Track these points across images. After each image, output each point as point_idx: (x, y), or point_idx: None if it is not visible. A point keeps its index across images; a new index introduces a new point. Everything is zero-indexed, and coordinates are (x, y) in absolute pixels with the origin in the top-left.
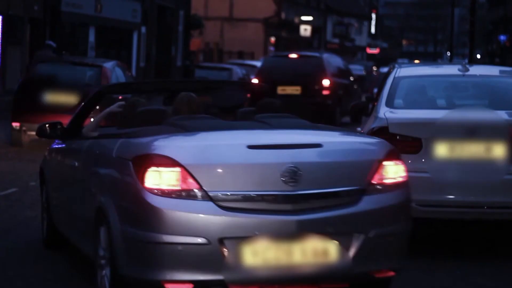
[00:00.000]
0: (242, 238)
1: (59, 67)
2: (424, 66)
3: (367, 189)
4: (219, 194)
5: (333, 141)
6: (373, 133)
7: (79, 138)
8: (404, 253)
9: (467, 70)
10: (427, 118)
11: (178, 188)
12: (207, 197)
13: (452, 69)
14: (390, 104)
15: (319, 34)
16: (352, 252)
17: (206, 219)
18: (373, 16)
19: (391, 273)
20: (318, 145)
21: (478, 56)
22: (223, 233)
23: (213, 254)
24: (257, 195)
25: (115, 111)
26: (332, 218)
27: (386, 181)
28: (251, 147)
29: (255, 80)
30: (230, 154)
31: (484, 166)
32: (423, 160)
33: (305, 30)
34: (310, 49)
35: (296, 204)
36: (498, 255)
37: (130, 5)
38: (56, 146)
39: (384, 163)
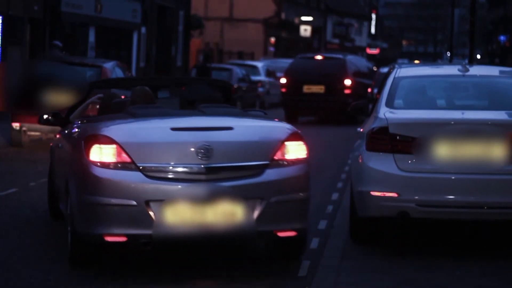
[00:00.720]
0: (164, 201)
1: (59, 67)
2: (424, 66)
3: (270, 163)
4: (146, 166)
5: (243, 125)
6: (373, 133)
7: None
8: (304, 217)
9: (467, 70)
10: (427, 119)
11: (114, 160)
12: (136, 168)
13: (452, 70)
14: (390, 104)
15: (319, 35)
16: (255, 214)
17: (135, 185)
18: (373, 16)
19: (293, 233)
20: (229, 128)
21: (478, 56)
22: (148, 196)
23: (141, 214)
24: (177, 167)
25: (94, 102)
26: (238, 186)
27: (287, 157)
28: (173, 129)
29: (283, 79)
30: (156, 134)
31: (484, 166)
32: (423, 160)
33: (305, 31)
34: (334, 51)
35: (208, 174)
36: (498, 255)
37: (130, 5)
38: (59, 132)
39: (286, 143)
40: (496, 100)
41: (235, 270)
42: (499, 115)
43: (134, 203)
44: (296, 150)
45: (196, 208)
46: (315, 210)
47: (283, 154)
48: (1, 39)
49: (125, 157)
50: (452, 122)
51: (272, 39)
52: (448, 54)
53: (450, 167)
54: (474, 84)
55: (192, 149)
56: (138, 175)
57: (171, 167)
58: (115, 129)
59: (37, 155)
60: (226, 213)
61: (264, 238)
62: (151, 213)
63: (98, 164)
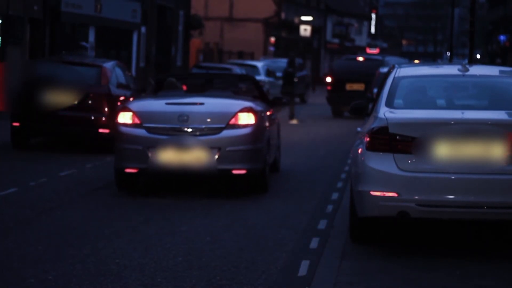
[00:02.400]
0: (157, 147)
1: (59, 67)
2: (424, 66)
3: (226, 126)
4: (148, 125)
5: (212, 102)
6: (373, 133)
7: None
8: (251, 161)
9: (467, 70)
10: (427, 118)
11: (131, 122)
12: (143, 127)
13: (452, 69)
14: (390, 104)
15: (319, 34)
16: (215, 157)
17: (141, 137)
18: (373, 16)
19: (243, 171)
20: (201, 103)
21: (478, 56)
22: (148, 144)
23: (143, 155)
24: (166, 127)
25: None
26: (205, 140)
27: (239, 123)
28: (167, 103)
29: (328, 78)
30: (156, 106)
31: (483, 166)
32: (423, 160)
33: (305, 30)
34: (376, 53)
35: (185, 132)
36: (498, 255)
37: (130, 5)
38: None
39: (239, 114)
40: (496, 100)
41: (235, 271)
42: (499, 115)
43: (140, 148)
44: (246, 119)
45: (177, 152)
46: (315, 210)
47: (236, 121)
48: (1, 39)
49: (136, 120)
50: (452, 122)
51: (272, 39)
52: (448, 54)
53: (450, 167)
54: (474, 84)
55: (175, 116)
56: (143, 131)
57: (162, 127)
58: (134, 103)
59: (37, 155)
60: (197, 156)
61: (223, 174)
62: (149, 154)
63: (122, 124)
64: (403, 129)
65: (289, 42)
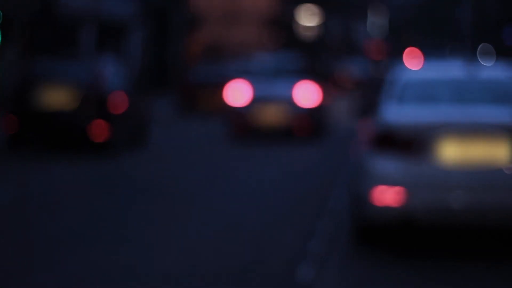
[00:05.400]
0: (261, 109)
1: (57, 67)
2: (428, 66)
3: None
4: (257, 98)
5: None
6: (376, 134)
7: None
8: (317, 128)
9: (473, 70)
10: (432, 119)
11: (246, 96)
12: (254, 97)
13: (457, 70)
14: (393, 104)
15: (320, 34)
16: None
17: (240, 106)
18: (375, 16)
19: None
20: (273, 88)
21: (481, 56)
22: (254, 108)
23: (250, 116)
24: (262, 101)
25: None
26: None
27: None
28: (262, 86)
29: None
30: (260, 85)
31: (488, 168)
32: (427, 161)
33: (306, 31)
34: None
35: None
36: (500, 258)
37: (130, 5)
38: None
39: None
40: (502, 101)
41: (235, 273)
42: (505, 116)
43: (241, 112)
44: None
45: (266, 115)
46: (316, 212)
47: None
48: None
49: (250, 92)
50: (457, 123)
51: (272, 39)
52: (452, 54)
53: (454, 169)
54: (479, 84)
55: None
56: (252, 100)
57: (261, 100)
58: (247, 80)
59: (36, 155)
60: (278, 118)
61: (289, 133)
62: (253, 114)
63: (235, 97)
64: (407, 130)
65: (290, 42)
